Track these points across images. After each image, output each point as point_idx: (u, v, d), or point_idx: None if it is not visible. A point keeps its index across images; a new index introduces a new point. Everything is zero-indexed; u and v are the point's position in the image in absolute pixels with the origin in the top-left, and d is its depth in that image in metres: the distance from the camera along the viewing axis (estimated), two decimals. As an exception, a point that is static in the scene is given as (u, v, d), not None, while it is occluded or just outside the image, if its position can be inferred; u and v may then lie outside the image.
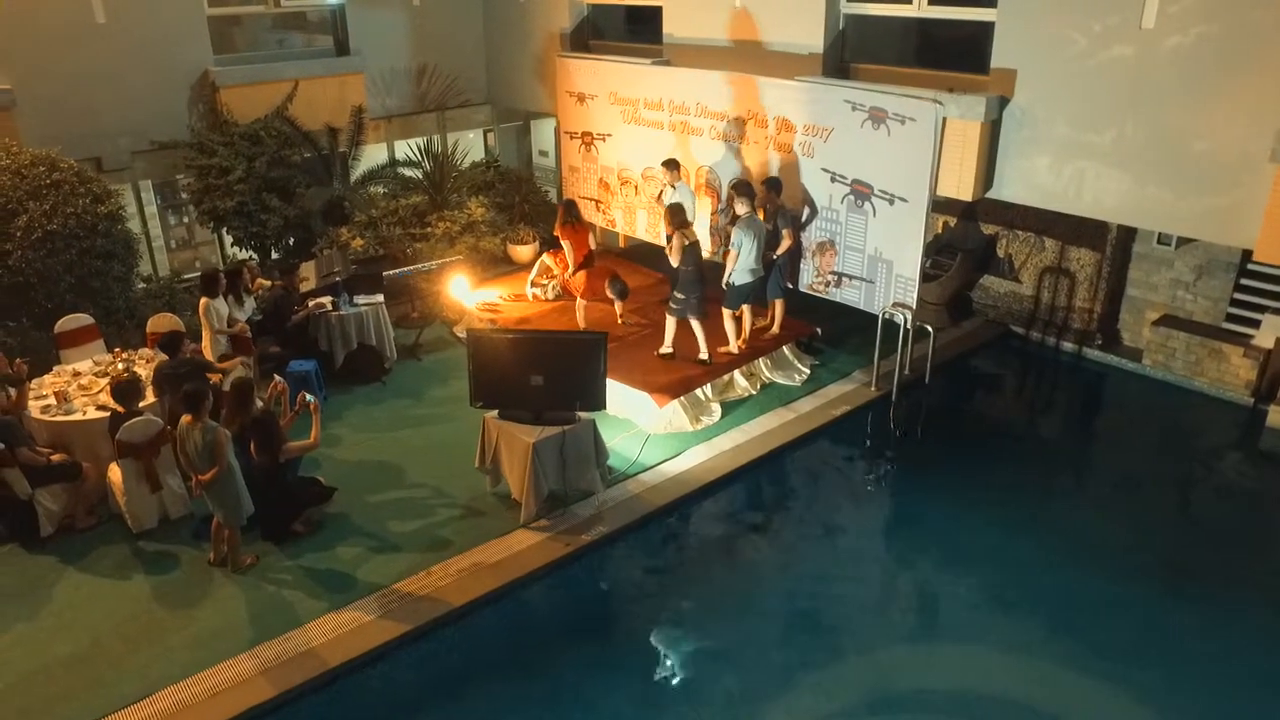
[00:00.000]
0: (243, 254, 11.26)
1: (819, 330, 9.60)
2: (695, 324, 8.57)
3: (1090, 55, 7.10)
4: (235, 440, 6.62)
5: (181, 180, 11.11)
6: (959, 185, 8.05)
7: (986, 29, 7.83)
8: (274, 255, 11.15)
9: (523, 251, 11.72)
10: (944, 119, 7.85)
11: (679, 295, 8.41)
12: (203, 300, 7.92)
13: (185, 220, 12.14)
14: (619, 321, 9.63)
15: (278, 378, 6.89)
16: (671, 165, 9.46)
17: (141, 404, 6.90)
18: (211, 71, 10.90)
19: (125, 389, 6.66)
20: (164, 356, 7.25)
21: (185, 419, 6.06)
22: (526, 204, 12.27)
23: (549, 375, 6.70)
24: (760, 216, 8.74)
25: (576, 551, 6.62)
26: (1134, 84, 6.93)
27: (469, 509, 7.05)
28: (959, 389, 9.79)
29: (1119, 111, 7.08)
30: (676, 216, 8.21)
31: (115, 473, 6.68)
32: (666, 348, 8.65)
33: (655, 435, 8.04)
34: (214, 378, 7.26)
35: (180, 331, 7.26)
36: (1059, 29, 7.24)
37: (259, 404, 7.21)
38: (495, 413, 6.95)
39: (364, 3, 12.01)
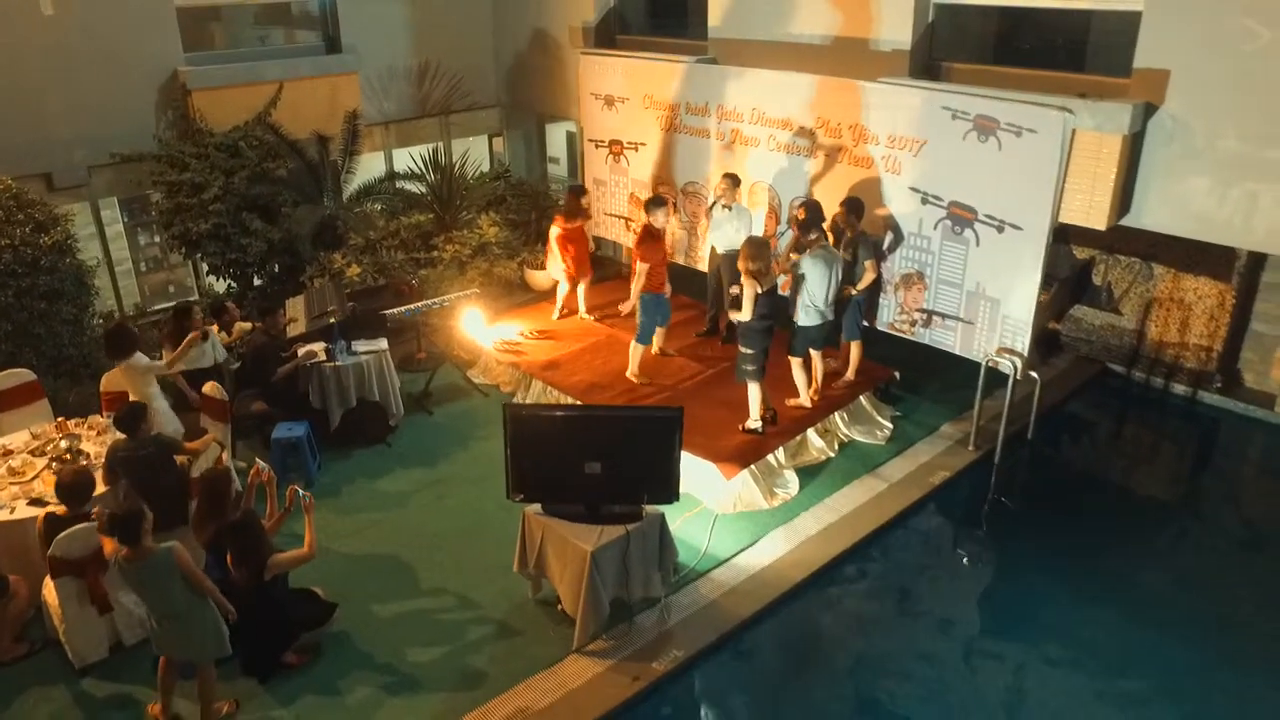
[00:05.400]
0: (219, 284, 9.76)
1: (897, 374, 8.21)
2: (755, 386, 7.12)
3: (1275, 51, 5.73)
4: (208, 549, 5.19)
5: (153, 197, 9.57)
6: (1089, 210, 6.67)
7: (1128, 21, 6.44)
8: (257, 282, 9.66)
9: (541, 277, 10.25)
10: (1073, 131, 6.47)
11: (747, 350, 6.91)
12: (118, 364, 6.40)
13: (157, 239, 10.62)
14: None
15: (260, 464, 5.40)
16: (734, 181, 8.03)
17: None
18: (182, 72, 9.39)
19: (73, 488, 5.14)
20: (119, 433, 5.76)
21: (121, 552, 4.53)
22: (544, 221, 10.79)
23: (609, 461, 5.27)
24: (831, 242, 7.36)
25: (648, 687, 5.19)
26: (1336, 88, 5.58)
27: (505, 626, 5.61)
28: (1065, 444, 8.40)
29: (1311, 122, 5.73)
30: (758, 256, 6.68)
31: (51, 592, 5.20)
32: (754, 422, 7.18)
33: (724, 516, 6.63)
34: (180, 460, 5.80)
35: (140, 405, 5.76)
36: (1231, 19, 5.87)
37: (237, 489, 5.78)
38: (538, 507, 5.50)
39: (357, -7, 10.53)
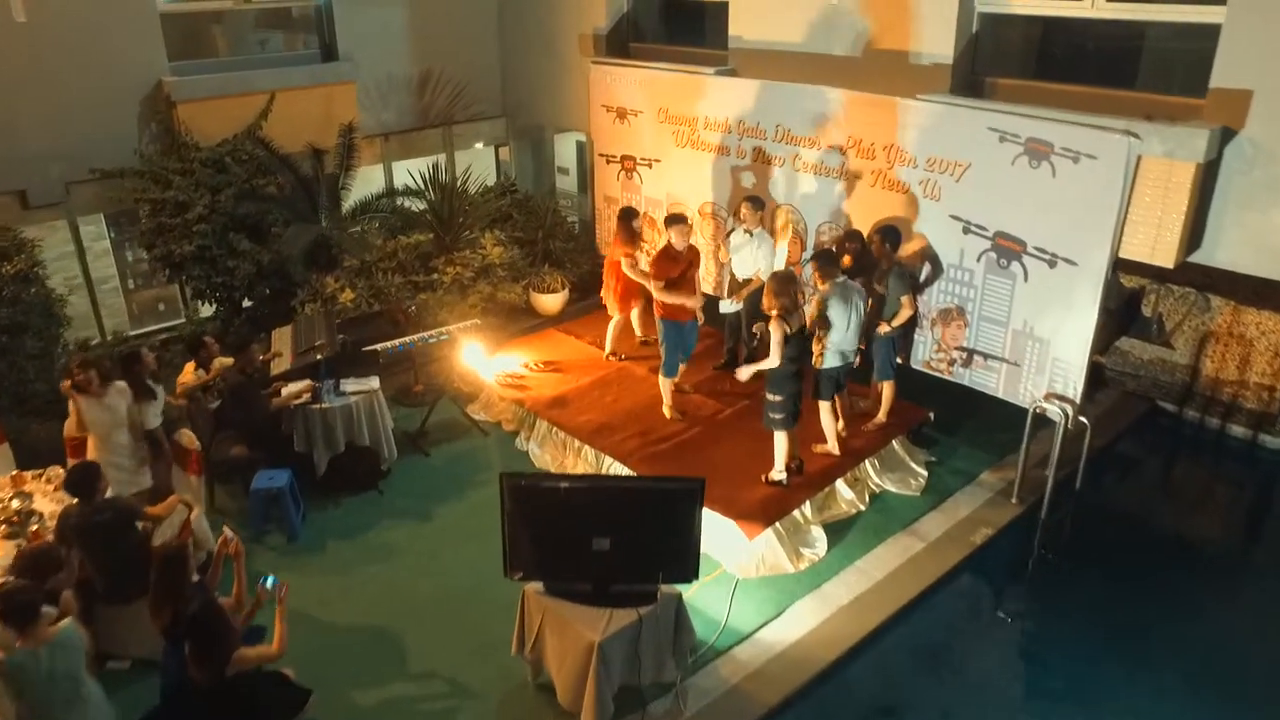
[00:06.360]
0: (206, 309, 9.20)
1: (931, 415, 7.55)
2: (783, 434, 6.48)
3: (1378, 74, 5.07)
4: (165, 635, 4.59)
5: (141, 212, 8.98)
6: (1155, 246, 6.02)
7: (1203, 35, 5.77)
8: (247, 303, 9.09)
9: (549, 302, 9.65)
10: (1138, 157, 5.81)
11: (775, 397, 6.27)
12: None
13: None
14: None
15: (228, 532, 4.81)
16: (757, 205, 7.40)
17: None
18: (166, 83, 8.81)
19: (34, 565, 4.57)
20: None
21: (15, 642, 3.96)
22: (551, 240, 10.18)
23: (620, 537, 4.65)
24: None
25: (661, 796, 4.59)
26: None
27: (501, 716, 4.99)
28: (1117, 494, 7.70)
29: None
30: (784, 292, 6.04)
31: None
32: (778, 473, 6.56)
33: (745, 580, 6.00)
34: (143, 525, 5.21)
35: (94, 465, 5.16)
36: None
37: (209, 549, 5.20)
38: (540, 585, 4.89)
39: (355, -2, 9.95)
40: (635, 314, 8.39)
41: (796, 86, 7.52)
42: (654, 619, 4.76)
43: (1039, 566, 6.63)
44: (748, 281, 7.60)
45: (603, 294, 8.29)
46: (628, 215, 7.99)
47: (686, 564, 4.78)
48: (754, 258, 7.48)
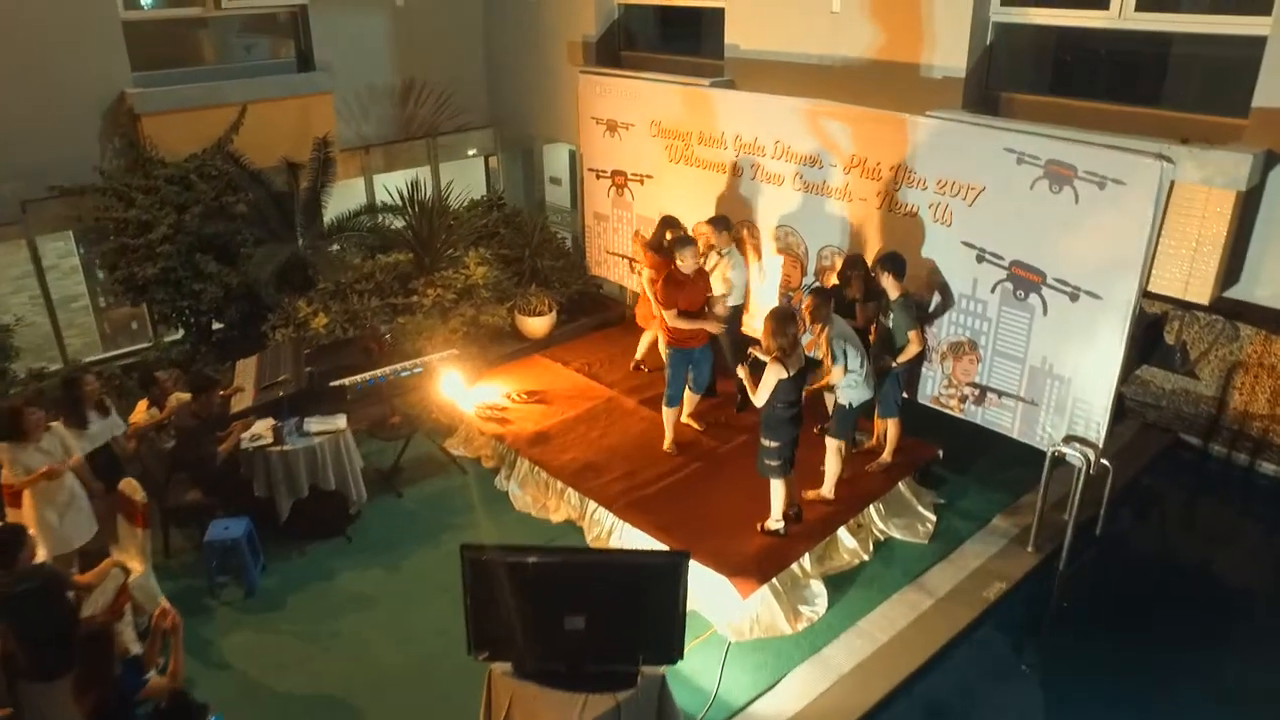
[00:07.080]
0: (174, 334, 8.73)
1: (940, 452, 7.04)
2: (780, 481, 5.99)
3: None
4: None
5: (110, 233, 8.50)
6: (1189, 280, 5.51)
7: (1246, 46, 5.26)
8: (216, 326, 8.63)
9: (535, 324, 9.15)
10: (1171, 183, 5.31)
11: (771, 443, 5.76)
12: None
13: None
14: (682, 419, 7.15)
15: (165, 604, 4.33)
16: (721, 225, 6.95)
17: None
18: (129, 95, 8.32)
19: None
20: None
21: None
22: (539, 258, 9.68)
23: (596, 615, 4.16)
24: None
25: None
26: None
27: (467, 809, 4.52)
28: (1142, 539, 7.19)
29: None
30: (781, 331, 5.50)
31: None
32: (775, 522, 6.06)
33: (738, 644, 5.51)
34: (78, 594, 4.73)
35: (17, 529, 4.66)
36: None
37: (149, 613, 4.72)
38: (508, 665, 4.40)
39: (333, 4, 9.44)
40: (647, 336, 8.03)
41: (797, 100, 7.01)
42: (634, 704, 4.27)
43: (1057, 623, 6.14)
44: (723, 297, 7.15)
45: (638, 309, 7.87)
46: (663, 225, 7.43)
47: (670, 643, 4.28)
48: (726, 278, 7.08)
